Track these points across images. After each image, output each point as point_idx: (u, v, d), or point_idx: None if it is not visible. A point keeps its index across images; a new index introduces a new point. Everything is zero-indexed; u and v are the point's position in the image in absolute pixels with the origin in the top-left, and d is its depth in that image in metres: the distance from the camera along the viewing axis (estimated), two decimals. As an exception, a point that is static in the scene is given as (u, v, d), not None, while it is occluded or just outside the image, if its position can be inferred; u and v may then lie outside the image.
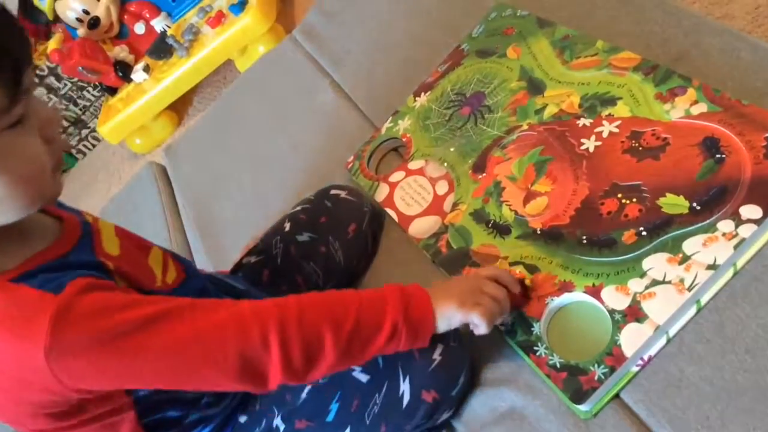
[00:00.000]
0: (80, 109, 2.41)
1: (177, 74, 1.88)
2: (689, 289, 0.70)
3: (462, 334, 0.79)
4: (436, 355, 0.76)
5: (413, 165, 1.06)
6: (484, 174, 0.95)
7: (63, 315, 0.61)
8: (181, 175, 1.56)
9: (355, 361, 0.72)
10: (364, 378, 0.78)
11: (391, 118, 1.15)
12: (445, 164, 1.01)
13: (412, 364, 0.76)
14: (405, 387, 0.76)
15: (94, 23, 1.94)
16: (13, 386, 0.64)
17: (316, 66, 1.46)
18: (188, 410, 0.78)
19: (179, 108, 2.02)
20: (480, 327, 0.75)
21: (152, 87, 1.91)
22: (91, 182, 2.29)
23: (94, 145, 2.53)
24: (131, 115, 1.94)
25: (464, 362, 0.79)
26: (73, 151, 2.54)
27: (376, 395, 0.77)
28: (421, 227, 0.97)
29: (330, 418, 0.78)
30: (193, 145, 1.62)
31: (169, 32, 1.93)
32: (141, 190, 1.63)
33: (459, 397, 0.79)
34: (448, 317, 0.74)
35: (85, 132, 2.49)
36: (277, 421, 0.81)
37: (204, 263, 1.29)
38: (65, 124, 2.47)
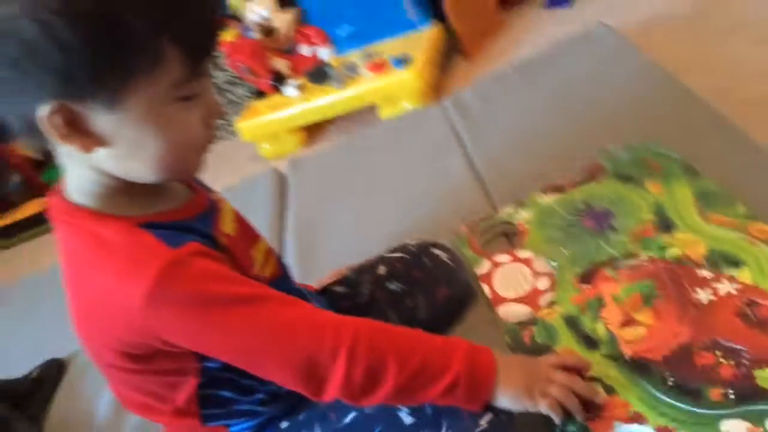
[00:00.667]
0: (226, 102, 2.58)
1: (325, 100, 2.00)
2: (763, 465, 0.69)
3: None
4: (484, 422, 0.76)
5: (521, 253, 1.09)
6: (589, 286, 0.97)
7: (173, 268, 0.67)
8: (298, 187, 1.65)
9: (409, 399, 0.75)
10: (408, 420, 0.79)
11: (513, 205, 1.19)
12: (553, 264, 1.03)
13: (457, 423, 0.77)
14: None
15: (270, 31, 2.09)
16: (108, 316, 0.70)
17: (454, 135, 1.53)
18: (241, 397, 0.81)
19: (314, 131, 2.14)
20: (552, 416, 0.76)
21: (299, 103, 2.03)
22: (211, 168, 2.42)
23: (224, 138, 2.69)
24: (271, 121, 2.06)
25: None
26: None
27: None
28: (511, 312, 1.00)
29: None
30: (317, 165, 1.71)
31: (331, 62, 2.07)
32: (256, 188, 1.72)
33: None
34: (510, 398, 0.76)
35: (220, 122, 2.65)
36: None
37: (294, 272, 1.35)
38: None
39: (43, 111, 0.62)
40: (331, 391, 0.72)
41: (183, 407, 0.79)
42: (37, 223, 2.38)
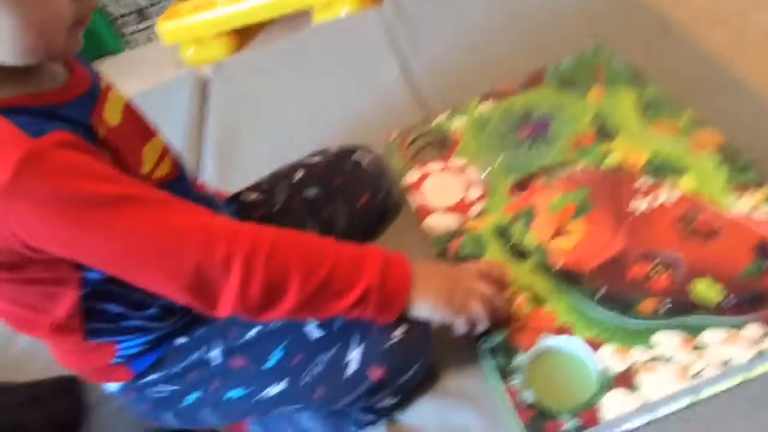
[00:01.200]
0: (148, 2, 2.38)
1: (255, 2, 1.85)
2: (692, 377, 0.65)
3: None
4: (397, 333, 0.70)
5: (454, 162, 1.01)
6: (522, 195, 0.91)
7: (33, 160, 0.56)
8: (222, 93, 1.52)
9: (315, 313, 0.68)
10: (316, 334, 0.72)
11: (448, 113, 1.11)
12: (487, 172, 0.96)
13: (368, 335, 0.70)
14: (354, 356, 0.70)
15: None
16: None
17: (392, 41, 1.43)
18: (130, 312, 0.72)
19: (242, 36, 1.99)
20: (459, 331, 0.69)
21: (226, 4, 1.88)
22: (131, 74, 2.25)
23: (147, 41, 2.50)
24: (196, 23, 1.90)
25: (424, 352, 0.73)
26: (125, 40, 2.51)
27: (322, 355, 0.71)
28: (439, 223, 0.92)
29: (269, 365, 0.72)
30: (244, 70, 1.58)
31: (264, -39, 1.91)
32: (175, 92, 1.58)
33: (408, 387, 0.74)
34: (429, 309, 0.69)
35: (143, 24, 2.46)
36: (215, 353, 0.75)
37: (209, 182, 1.24)
38: (127, 11, 2.44)
39: None
40: (225, 306, 0.63)
41: (63, 321, 0.69)
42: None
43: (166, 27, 1.97)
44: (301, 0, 1.83)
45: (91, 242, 0.60)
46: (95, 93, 0.68)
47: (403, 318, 0.70)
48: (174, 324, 0.75)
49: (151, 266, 0.62)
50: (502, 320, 0.74)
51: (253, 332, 0.74)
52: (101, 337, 0.72)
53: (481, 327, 0.72)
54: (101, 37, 2.48)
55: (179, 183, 0.78)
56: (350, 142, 1.11)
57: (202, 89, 1.57)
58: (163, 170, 0.74)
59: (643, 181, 0.85)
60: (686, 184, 0.82)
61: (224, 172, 1.27)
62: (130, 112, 0.73)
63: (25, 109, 0.60)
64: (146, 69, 2.22)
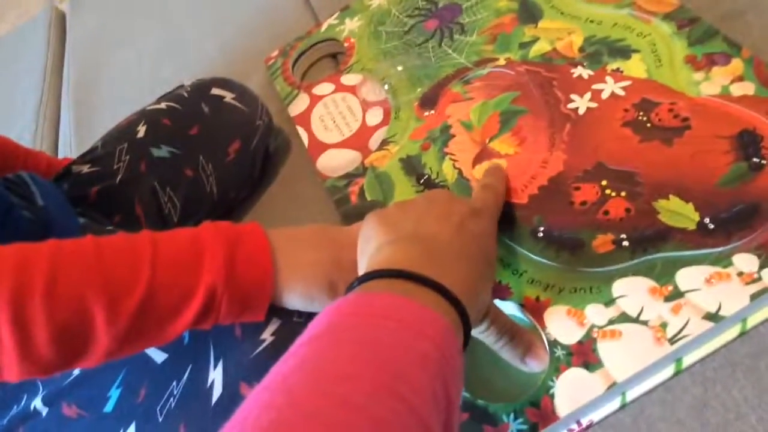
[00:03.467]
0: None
1: None
2: (671, 341, 0.47)
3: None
4: (267, 335, 0.51)
5: (348, 79, 0.80)
6: (433, 111, 0.70)
7: None
8: (79, 28, 1.27)
9: (149, 343, 0.47)
10: (158, 357, 0.53)
11: (338, 14, 0.89)
12: (387, 86, 0.75)
13: (229, 343, 0.52)
14: (216, 375, 0.51)
15: None
16: None
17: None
18: None
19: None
20: None
21: None
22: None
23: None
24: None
25: None
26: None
27: (174, 383, 0.52)
28: (334, 162, 0.72)
29: (108, 408, 0.53)
30: (99, 3, 1.32)
31: None
32: (31, 36, 1.33)
33: None
34: (302, 297, 0.50)
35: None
36: (37, 403, 0.56)
37: (68, 143, 1.02)
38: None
39: None
40: (9, 372, 0.43)
41: None
42: None
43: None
44: None
45: None
46: None
47: (272, 310, 0.51)
48: None
49: None
50: None
51: (75, 370, 0.55)
52: None
53: None
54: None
55: None
56: (228, 68, 0.90)
57: (61, 27, 1.31)
58: None
59: (582, 71, 0.65)
60: (635, 67, 0.63)
61: (82, 126, 1.04)
62: None
63: None
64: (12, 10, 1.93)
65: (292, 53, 0.87)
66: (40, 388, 0.55)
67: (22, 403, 0.56)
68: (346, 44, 0.84)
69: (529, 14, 0.73)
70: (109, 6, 1.27)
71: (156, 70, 1.04)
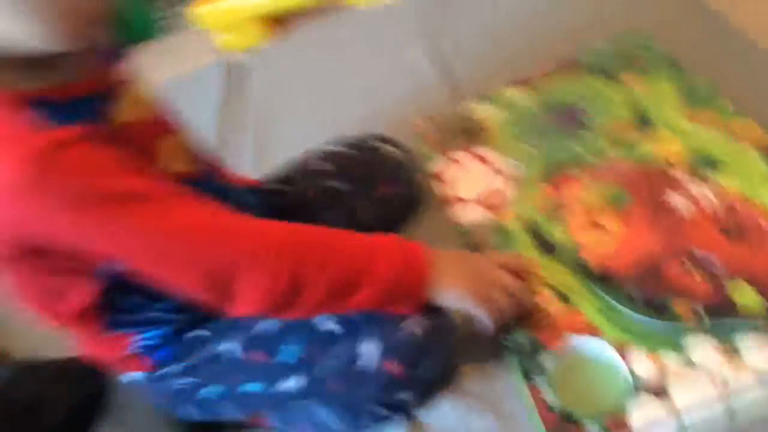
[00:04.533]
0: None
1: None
2: (725, 386, 0.62)
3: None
4: (417, 327, 0.68)
5: (482, 151, 0.98)
6: (553, 187, 0.87)
7: (50, 153, 0.55)
8: (258, 78, 1.51)
9: (335, 308, 0.67)
10: (333, 328, 0.71)
11: (477, 100, 1.08)
12: (516, 163, 0.93)
13: (385, 329, 0.69)
14: (370, 350, 0.68)
15: None
16: None
17: (424, 25, 1.40)
18: (149, 304, 0.71)
19: (282, 23, 1.96)
20: (484, 325, 0.68)
21: (259, -13, 1.86)
22: (164, 61, 2.24)
23: (179, 27, 2.49)
24: (233, 8, 1.88)
25: (442, 347, 0.71)
26: (158, 26, 2.51)
27: (338, 349, 0.70)
28: (466, 213, 0.90)
29: (286, 359, 0.71)
30: (280, 56, 1.57)
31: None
32: (208, 78, 1.58)
33: (425, 383, 0.72)
34: (453, 297, 0.68)
35: (177, 9, 2.45)
36: (234, 346, 0.74)
37: (242, 169, 1.24)
38: (159, -6, 2.43)
39: None
40: (243, 305, 0.63)
41: (83, 311, 0.69)
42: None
43: (203, 11, 1.95)
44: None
45: (109, 239, 0.59)
46: (115, 87, 0.67)
47: (421, 312, 0.68)
48: (193, 316, 0.75)
49: (168, 262, 0.61)
50: (526, 315, 0.72)
51: (271, 327, 0.73)
52: (121, 327, 0.72)
53: (504, 320, 0.69)
54: (133, 24, 2.48)
55: (203, 178, 0.76)
56: (381, 128, 1.09)
57: (236, 75, 1.56)
58: (180, 166, 0.73)
59: (682, 176, 0.81)
60: (727, 179, 0.78)
61: (259, 158, 1.26)
62: (147, 108, 0.72)
63: (45, 102, 0.59)
64: (180, 55, 2.21)
65: (436, 123, 1.06)
66: (240, 336, 0.73)
67: (220, 345, 0.74)
68: (482, 124, 1.02)
69: (643, 122, 0.89)
70: (285, 61, 1.51)
71: (323, 120, 1.25)
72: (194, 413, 0.78)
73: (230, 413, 0.77)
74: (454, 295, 0.67)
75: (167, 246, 0.60)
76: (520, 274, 0.71)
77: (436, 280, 0.66)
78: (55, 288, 0.67)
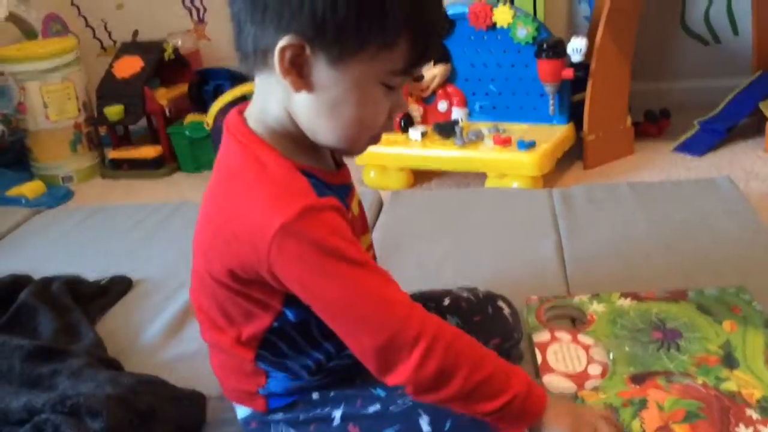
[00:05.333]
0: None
1: (442, 153, 2.10)
2: None
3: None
4: None
5: (582, 338, 1.12)
6: (638, 387, 1.00)
7: (314, 210, 0.74)
8: (392, 215, 1.73)
9: (466, 407, 0.79)
10: (426, 428, 0.84)
11: (589, 295, 1.23)
12: (611, 356, 1.06)
13: None
14: None
15: (418, 78, 2.23)
16: (240, 233, 0.76)
17: (553, 221, 1.59)
18: (295, 357, 0.87)
19: (418, 177, 2.23)
20: None
21: (417, 147, 2.14)
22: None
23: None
24: (387, 155, 2.17)
25: None
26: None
27: None
28: (555, 383, 1.03)
29: None
30: (415, 202, 1.80)
31: (461, 123, 2.17)
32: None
33: None
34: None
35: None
36: (337, 414, 0.88)
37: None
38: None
39: (283, 41, 0.72)
40: (400, 376, 0.76)
41: (245, 339, 0.85)
42: (145, 166, 2.56)
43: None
44: (482, 166, 2.05)
45: (328, 287, 0.75)
46: (351, 185, 0.89)
47: None
48: (319, 380, 0.90)
49: (360, 322, 0.76)
50: None
51: (374, 409, 0.87)
52: (264, 363, 0.87)
53: None
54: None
55: None
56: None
57: (377, 207, 1.80)
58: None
59: (753, 414, 0.92)
60: (793, 428, 0.89)
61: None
62: (361, 208, 0.92)
63: (312, 175, 0.79)
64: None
65: (548, 303, 1.22)
66: (345, 408, 0.87)
67: (326, 410, 0.88)
68: (589, 315, 1.17)
69: (729, 361, 1.02)
70: (417, 208, 1.74)
71: (439, 269, 1.43)
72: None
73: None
74: (557, 429, 0.80)
75: (370, 309, 0.76)
76: (617, 427, 0.84)
77: (547, 414, 0.80)
78: (235, 312, 0.84)
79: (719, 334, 1.09)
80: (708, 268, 1.33)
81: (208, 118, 2.38)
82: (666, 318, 1.14)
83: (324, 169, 0.83)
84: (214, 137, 2.40)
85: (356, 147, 0.81)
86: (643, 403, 0.96)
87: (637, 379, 1.01)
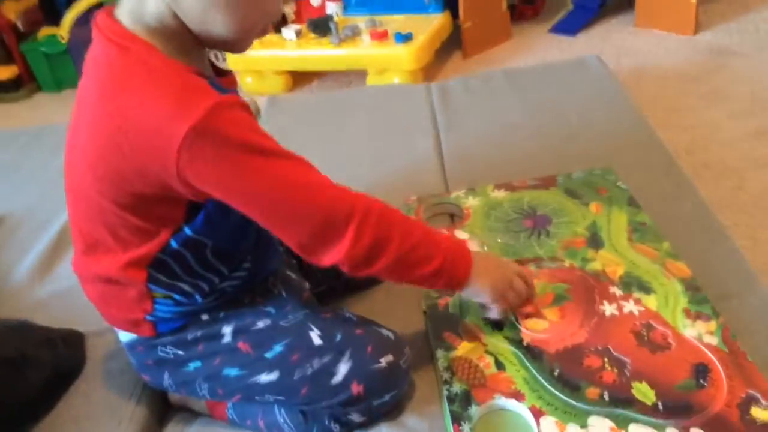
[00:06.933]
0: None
1: (319, 52, 2.02)
2: (613, 459, 0.76)
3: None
4: (384, 362, 0.82)
5: (459, 233, 1.14)
6: (511, 276, 1.03)
7: (221, 109, 0.70)
8: (269, 124, 1.67)
9: (402, 275, 0.81)
10: (317, 341, 0.84)
11: (465, 191, 1.24)
12: (485, 248, 1.09)
13: (360, 354, 0.82)
14: (343, 369, 0.82)
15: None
16: (141, 144, 0.70)
17: (431, 116, 1.58)
18: (187, 278, 0.83)
19: (297, 79, 2.16)
20: (493, 314, 0.89)
21: (292, 48, 2.05)
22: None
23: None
24: (262, 58, 2.07)
25: (400, 383, 0.85)
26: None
27: (316, 360, 0.82)
28: (434, 281, 1.04)
29: (268, 355, 0.84)
30: (293, 108, 1.74)
31: (336, 18, 2.09)
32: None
33: (377, 411, 0.84)
34: (476, 292, 0.86)
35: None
36: (227, 331, 0.87)
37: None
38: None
39: None
40: (337, 254, 0.76)
41: (137, 259, 0.80)
42: (1, 89, 2.35)
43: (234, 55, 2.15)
44: (360, 63, 2.00)
45: (249, 183, 0.72)
46: (237, 92, 0.86)
47: (389, 349, 0.82)
48: (210, 302, 0.87)
49: (291, 211, 0.74)
50: (521, 312, 0.94)
51: (263, 323, 0.86)
52: (157, 286, 0.83)
53: (508, 313, 0.91)
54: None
55: None
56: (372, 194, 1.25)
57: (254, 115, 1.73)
58: None
59: (616, 290, 0.97)
60: (650, 301, 0.95)
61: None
62: None
63: (206, 77, 0.74)
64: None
65: (426, 202, 1.23)
66: (235, 324, 0.86)
67: (215, 328, 0.86)
68: (464, 211, 1.19)
69: (595, 243, 1.06)
70: (296, 114, 1.68)
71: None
72: (168, 384, 0.89)
73: (199, 392, 0.88)
74: (480, 286, 0.85)
75: (299, 197, 0.74)
76: (529, 283, 0.92)
77: (473, 271, 0.83)
78: (127, 232, 0.79)
79: (586, 217, 1.13)
80: (577, 150, 1.36)
81: (62, 31, 2.18)
82: (537, 205, 1.17)
83: (210, 74, 0.80)
84: (72, 51, 2.22)
85: (249, 39, 0.77)
86: (515, 292, 1.00)
87: (510, 268, 1.04)
